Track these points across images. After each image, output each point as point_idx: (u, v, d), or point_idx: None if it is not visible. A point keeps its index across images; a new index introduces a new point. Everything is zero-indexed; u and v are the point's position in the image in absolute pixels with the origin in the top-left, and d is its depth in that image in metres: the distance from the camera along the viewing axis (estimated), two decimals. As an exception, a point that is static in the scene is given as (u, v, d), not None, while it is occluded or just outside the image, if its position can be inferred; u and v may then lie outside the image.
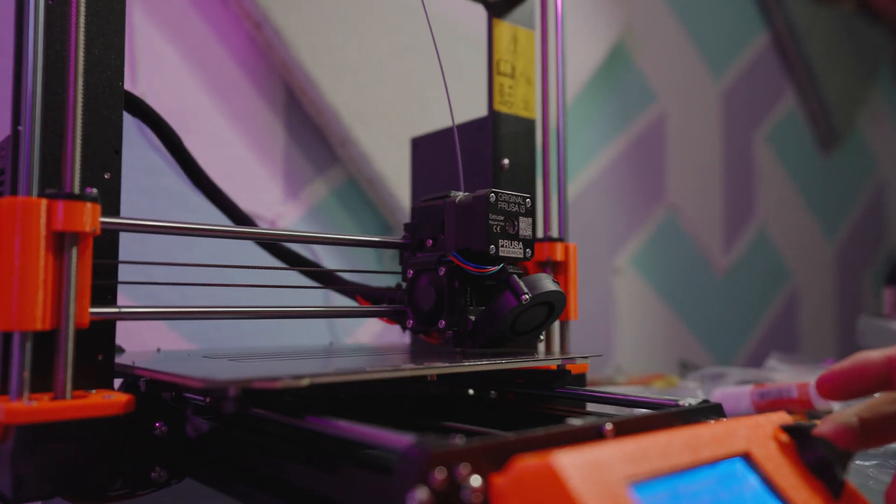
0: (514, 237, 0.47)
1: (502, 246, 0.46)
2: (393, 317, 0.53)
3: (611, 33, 1.30)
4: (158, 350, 0.63)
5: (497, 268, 0.46)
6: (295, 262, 0.61)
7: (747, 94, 1.67)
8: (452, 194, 0.49)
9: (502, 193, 0.47)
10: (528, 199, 0.49)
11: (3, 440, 0.35)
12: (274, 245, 0.60)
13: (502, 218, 0.46)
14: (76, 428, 0.35)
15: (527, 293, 0.45)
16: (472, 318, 0.47)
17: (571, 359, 0.52)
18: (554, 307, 0.48)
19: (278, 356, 0.50)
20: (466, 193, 0.48)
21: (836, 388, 0.38)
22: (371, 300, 0.58)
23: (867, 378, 0.37)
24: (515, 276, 0.46)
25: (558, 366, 0.52)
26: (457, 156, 0.55)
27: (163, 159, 0.80)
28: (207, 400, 0.38)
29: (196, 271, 0.52)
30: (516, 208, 0.47)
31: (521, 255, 0.47)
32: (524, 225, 0.48)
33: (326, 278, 0.64)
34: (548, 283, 0.46)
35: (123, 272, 0.43)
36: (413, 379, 0.51)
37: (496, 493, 0.26)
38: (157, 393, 0.43)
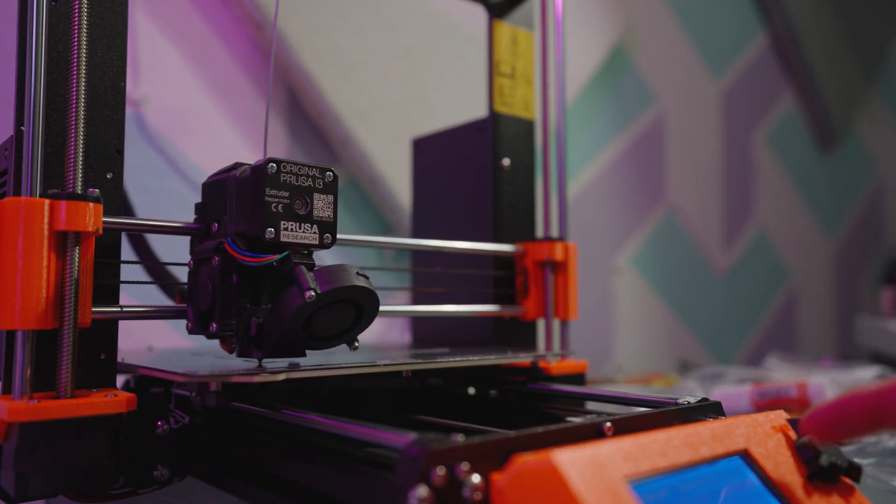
0: (306, 219, 0.39)
1: (285, 229, 0.38)
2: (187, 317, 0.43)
3: (611, 34, 1.30)
4: (150, 348, 0.63)
5: (276, 257, 0.38)
6: None
7: (747, 95, 1.67)
8: (242, 166, 0.40)
9: (287, 163, 0.38)
10: (328, 173, 0.40)
11: (7, 439, 0.35)
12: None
13: (287, 194, 0.38)
14: (78, 426, 0.35)
15: (313, 289, 0.37)
16: (259, 320, 0.39)
17: (543, 356, 0.52)
18: (363, 307, 0.40)
19: None
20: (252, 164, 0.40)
21: (823, 426, 0.33)
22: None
23: (857, 414, 0.32)
24: (303, 267, 0.38)
25: (531, 362, 0.53)
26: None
27: (165, 160, 0.80)
28: (194, 394, 0.39)
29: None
30: (310, 182, 0.39)
31: (315, 242, 0.39)
32: (322, 204, 0.39)
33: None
34: (348, 276, 0.38)
35: (125, 272, 0.43)
36: (390, 374, 0.49)
37: (496, 491, 0.26)
38: (146, 388, 0.43)
